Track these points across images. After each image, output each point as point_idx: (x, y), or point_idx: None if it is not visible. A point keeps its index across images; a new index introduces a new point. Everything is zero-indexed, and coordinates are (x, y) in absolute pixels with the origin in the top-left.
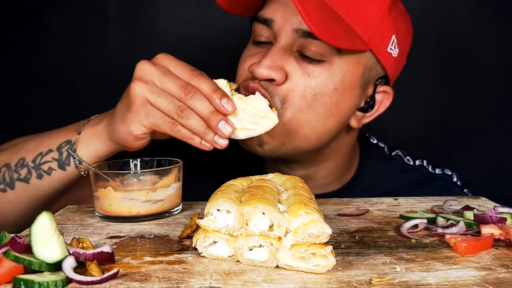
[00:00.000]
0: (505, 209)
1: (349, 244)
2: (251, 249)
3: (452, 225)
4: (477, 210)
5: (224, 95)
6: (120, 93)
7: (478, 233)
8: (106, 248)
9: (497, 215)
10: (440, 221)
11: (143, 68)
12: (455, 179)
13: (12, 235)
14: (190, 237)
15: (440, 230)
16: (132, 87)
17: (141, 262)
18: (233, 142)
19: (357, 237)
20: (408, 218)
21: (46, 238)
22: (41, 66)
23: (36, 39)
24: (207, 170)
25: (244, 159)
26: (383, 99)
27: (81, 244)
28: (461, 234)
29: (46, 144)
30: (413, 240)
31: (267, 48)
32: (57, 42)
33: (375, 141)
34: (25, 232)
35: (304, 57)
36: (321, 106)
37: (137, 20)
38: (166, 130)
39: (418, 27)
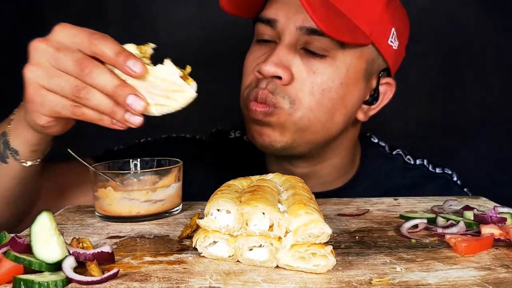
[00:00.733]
0: (505, 209)
1: (349, 244)
2: (251, 249)
3: (452, 225)
4: (477, 210)
5: (130, 55)
6: None
7: (478, 233)
8: (106, 248)
9: (497, 215)
10: (440, 221)
11: (36, 48)
12: (455, 179)
13: (12, 235)
14: (190, 237)
15: (440, 230)
16: (24, 73)
17: (141, 262)
18: (238, 141)
19: (357, 237)
20: (408, 218)
21: (46, 238)
22: None
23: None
24: (207, 170)
25: (245, 158)
26: (386, 91)
27: (81, 244)
28: (461, 234)
29: None
30: (413, 240)
31: (272, 47)
32: None
33: (375, 140)
34: (25, 232)
35: (308, 52)
36: (328, 101)
37: (137, 20)
38: (69, 115)
39: (418, 27)
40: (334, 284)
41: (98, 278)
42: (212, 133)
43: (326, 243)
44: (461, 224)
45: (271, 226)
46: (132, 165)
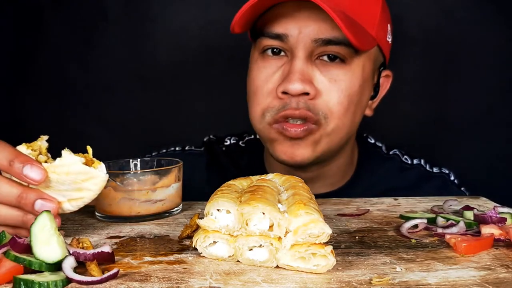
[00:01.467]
0: (505, 209)
1: (349, 244)
2: (251, 249)
3: (452, 225)
4: (477, 210)
5: (25, 160)
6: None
7: (478, 233)
8: (106, 248)
9: (497, 215)
10: (440, 221)
11: None
12: (452, 178)
13: (12, 235)
14: (190, 237)
15: (440, 230)
16: None
17: (141, 262)
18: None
19: (357, 237)
20: (408, 218)
21: (46, 238)
22: (41, 66)
23: (36, 39)
24: (200, 182)
25: (243, 164)
26: (384, 82)
27: (81, 244)
28: (461, 234)
29: None
30: (413, 240)
31: (284, 61)
32: (57, 42)
33: (372, 141)
34: None
35: (325, 62)
36: (353, 105)
37: (137, 20)
38: None
39: (418, 27)
40: (334, 284)
41: (98, 278)
42: (204, 143)
43: (326, 243)
44: (461, 224)
45: (271, 226)
46: (132, 165)
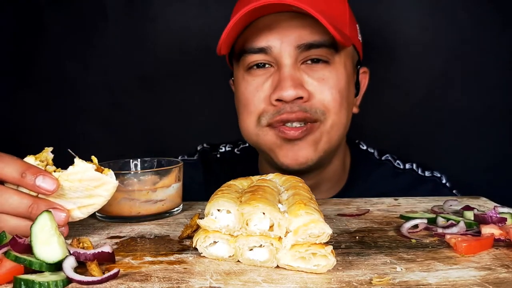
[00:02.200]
0: (505, 209)
1: (350, 244)
2: (251, 249)
3: (452, 225)
4: (477, 210)
5: (37, 172)
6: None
7: (478, 233)
8: (107, 248)
9: (497, 215)
10: (440, 221)
11: None
12: (444, 181)
13: (13, 235)
14: (190, 237)
15: (440, 230)
16: None
17: (141, 262)
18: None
19: (357, 237)
20: (408, 218)
21: (47, 238)
22: (41, 66)
23: (36, 39)
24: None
25: (238, 171)
26: (362, 79)
27: (81, 244)
28: (461, 234)
29: None
30: (413, 240)
31: (271, 72)
32: (57, 42)
33: (364, 147)
34: None
35: (311, 64)
36: (345, 100)
37: (137, 20)
38: None
39: (418, 27)
40: (335, 284)
41: (99, 278)
42: (198, 152)
43: (327, 243)
44: (461, 224)
45: (271, 226)
46: (132, 165)
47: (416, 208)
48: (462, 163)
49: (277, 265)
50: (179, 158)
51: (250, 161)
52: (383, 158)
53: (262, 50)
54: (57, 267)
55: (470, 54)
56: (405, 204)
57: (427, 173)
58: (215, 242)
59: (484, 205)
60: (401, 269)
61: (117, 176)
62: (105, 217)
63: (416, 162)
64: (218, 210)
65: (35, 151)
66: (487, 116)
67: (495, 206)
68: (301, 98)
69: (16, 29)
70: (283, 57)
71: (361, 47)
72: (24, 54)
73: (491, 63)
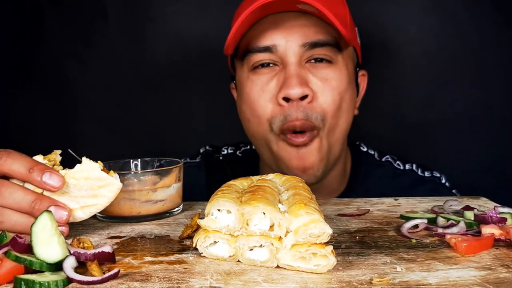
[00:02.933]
0: (505, 209)
1: (350, 244)
2: (251, 249)
3: (452, 225)
4: (478, 210)
5: (44, 168)
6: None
7: (479, 233)
8: (107, 248)
9: (498, 215)
10: (441, 221)
11: None
12: (443, 181)
13: (13, 235)
14: (190, 237)
15: (440, 230)
16: None
17: (141, 262)
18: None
19: (357, 237)
20: (408, 218)
21: (47, 238)
22: (41, 66)
23: (36, 39)
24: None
25: (239, 174)
26: (361, 82)
27: (81, 244)
28: (462, 234)
29: None
30: (414, 240)
31: (277, 70)
32: (57, 42)
33: (365, 149)
34: None
35: (315, 63)
36: (344, 103)
37: (137, 20)
38: None
39: (417, 27)
40: (335, 284)
41: (99, 278)
42: (201, 154)
43: (327, 243)
44: (462, 224)
45: (271, 226)
46: (132, 165)
47: (416, 208)
48: (462, 163)
49: (277, 265)
50: (182, 160)
51: (252, 163)
52: (383, 159)
53: (267, 49)
54: (57, 267)
55: (470, 54)
56: (405, 204)
57: (426, 174)
58: (215, 242)
59: (484, 205)
60: (401, 269)
61: (119, 177)
62: (106, 217)
63: (416, 162)
64: (218, 210)
65: (35, 151)
66: (487, 116)
67: (495, 206)
68: (306, 96)
69: (16, 29)
70: (288, 56)
71: (360, 50)
72: (24, 54)
73: (491, 63)
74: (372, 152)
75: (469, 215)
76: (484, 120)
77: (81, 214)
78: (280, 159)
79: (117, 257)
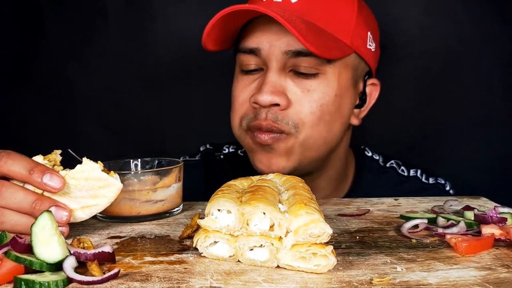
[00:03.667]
0: (506, 209)
1: (350, 244)
2: (251, 249)
3: (452, 225)
4: (478, 210)
5: (45, 170)
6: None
7: (479, 233)
8: (107, 248)
9: (498, 215)
10: (441, 221)
11: None
12: (447, 188)
13: (13, 235)
14: (190, 237)
15: (440, 230)
16: None
17: (141, 262)
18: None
19: (357, 237)
20: (408, 218)
21: (47, 238)
22: (41, 66)
23: (36, 39)
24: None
25: (239, 174)
26: (372, 91)
27: (82, 244)
28: (462, 234)
29: None
30: (414, 240)
31: (260, 74)
32: (57, 42)
33: (369, 154)
34: None
35: (299, 74)
36: (327, 115)
37: (137, 20)
38: None
39: (417, 27)
40: (335, 284)
41: (99, 278)
42: (201, 153)
43: (327, 243)
44: (462, 224)
45: (271, 226)
46: (132, 165)
47: (416, 208)
48: (462, 163)
49: (278, 265)
50: (181, 158)
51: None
52: (387, 165)
53: (252, 51)
54: (57, 267)
55: (470, 54)
56: (405, 204)
57: (431, 180)
58: (215, 242)
59: (484, 205)
60: (402, 269)
61: (119, 177)
62: (106, 217)
63: (421, 168)
64: (219, 210)
65: (35, 151)
66: (487, 116)
67: (495, 206)
68: (278, 105)
69: (16, 29)
70: (270, 61)
71: (374, 57)
72: (24, 54)
73: (491, 63)
74: (377, 157)
75: (469, 215)
76: (484, 120)
77: (82, 215)
78: (250, 154)
79: (117, 257)
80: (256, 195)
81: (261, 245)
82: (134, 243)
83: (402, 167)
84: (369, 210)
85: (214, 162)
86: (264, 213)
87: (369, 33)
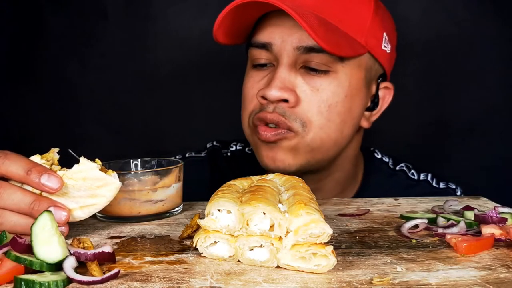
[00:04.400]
0: (506, 209)
1: (350, 244)
2: (251, 249)
3: (452, 225)
4: (478, 210)
5: (43, 170)
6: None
7: (479, 233)
8: (107, 248)
9: (498, 215)
10: (441, 221)
11: None
12: (458, 193)
13: (13, 235)
14: (190, 237)
15: (440, 230)
16: None
17: (141, 262)
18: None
19: (357, 237)
20: (408, 218)
21: (47, 238)
22: (41, 66)
23: (36, 39)
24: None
25: (246, 171)
26: (385, 95)
27: (82, 244)
28: (462, 234)
29: None
30: (414, 240)
31: (271, 70)
32: (57, 42)
33: (379, 156)
34: None
35: (309, 70)
36: (337, 116)
37: (137, 20)
38: None
39: (418, 27)
40: (335, 284)
41: (99, 278)
42: (208, 150)
43: (327, 243)
44: (462, 224)
45: (271, 226)
46: (132, 165)
47: (416, 208)
48: (462, 163)
49: (278, 265)
50: (187, 154)
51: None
52: (397, 167)
53: (264, 46)
54: (57, 267)
55: (470, 54)
56: (406, 204)
57: (442, 185)
58: (215, 242)
59: (485, 205)
60: (402, 269)
61: (118, 176)
62: (106, 217)
63: (432, 172)
64: (219, 210)
65: (35, 151)
66: (488, 116)
67: (495, 206)
68: (286, 101)
69: (16, 29)
70: (281, 56)
71: (389, 59)
72: (24, 54)
73: (491, 63)
74: (386, 160)
75: (469, 215)
76: (484, 120)
77: (81, 214)
78: (256, 151)
79: (117, 257)
80: (256, 195)
81: (261, 245)
82: (134, 243)
83: (413, 171)
84: (369, 210)
85: (220, 159)
86: (264, 213)
87: (384, 34)
